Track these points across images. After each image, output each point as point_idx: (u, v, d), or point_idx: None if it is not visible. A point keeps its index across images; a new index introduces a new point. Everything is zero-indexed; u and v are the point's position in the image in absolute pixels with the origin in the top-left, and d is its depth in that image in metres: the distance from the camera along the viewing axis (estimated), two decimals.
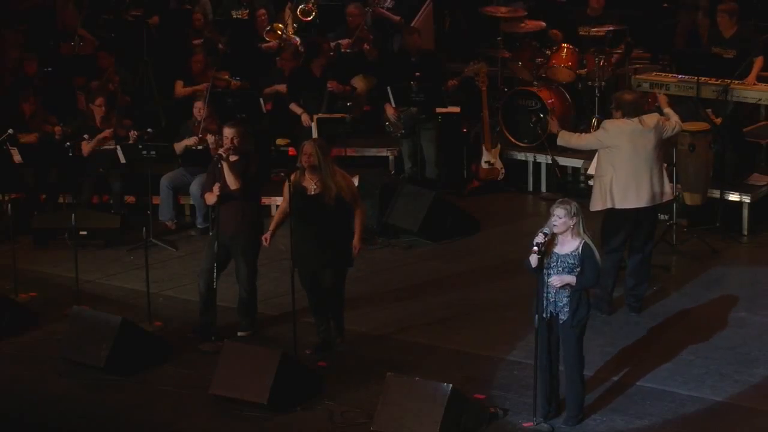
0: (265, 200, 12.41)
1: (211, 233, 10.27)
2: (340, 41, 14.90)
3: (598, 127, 14.05)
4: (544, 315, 8.58)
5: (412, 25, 15.37)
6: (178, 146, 12.65)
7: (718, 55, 13.28)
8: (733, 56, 13.13)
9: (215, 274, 10.09)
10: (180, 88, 14.27)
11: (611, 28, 14.37)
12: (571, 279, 8.46)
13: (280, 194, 10.12)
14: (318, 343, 9.96)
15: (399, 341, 10.27)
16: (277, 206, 12.77)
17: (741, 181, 12.75)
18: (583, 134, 10.89)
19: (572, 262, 8.48)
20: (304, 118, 13.68)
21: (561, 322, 8.56)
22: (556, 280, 8.47)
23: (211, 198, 10.11)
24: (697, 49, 14.42)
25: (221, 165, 10.03)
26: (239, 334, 10.32)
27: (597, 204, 10.46)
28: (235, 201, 10.06)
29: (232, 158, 10.10)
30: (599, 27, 14.40)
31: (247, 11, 15.68)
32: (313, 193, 9.65)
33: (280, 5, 15.96)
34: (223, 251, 10.15)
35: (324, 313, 10.01)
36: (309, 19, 15.37)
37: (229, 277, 10.41)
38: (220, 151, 10.08)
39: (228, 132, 10.16)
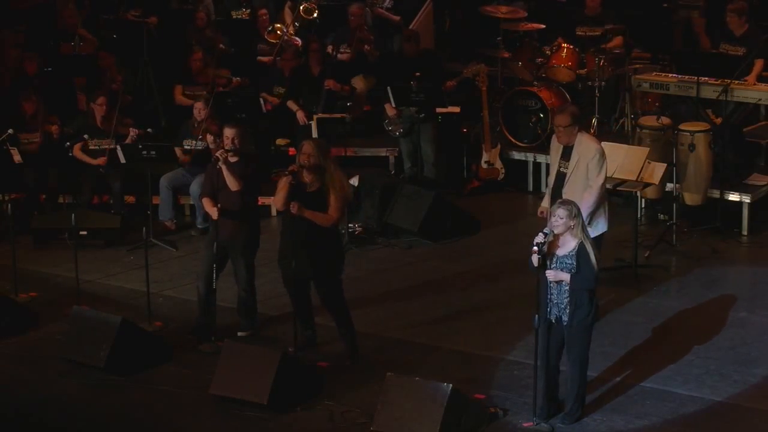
0: (266, 200, 12.41)
1: (208, 234, 10.25)
2: (339, 55, 14.89)
3: (598, 127, 14.17)
4: (549, 317, 8.59)
5: (411, 26, 15.39)
6: (177, 150, 12.69)
7: (723, 53, 13.26)
8: (741, 54, 13.12)
9: (215, 275, 10.10)
10: (179, 96, 14.27)
11: (609, 28, 14.38)
12: (565, 276, 8.47)
13: None
14: (300, 342, 9.94)
15: (399, 341, 10.27)
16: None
17: (741, 181, 12.75)
18: (594, 180, 9.98)
19: (570, 262, 8.49)
20: (299, 115, 13.72)
21: (564, 323, 8.58)
22: (551, 274, 8.50)
23: (213, 213, 10.09)
24: (698, 49, 14.42)
25: (219, 167, 10.03)
26: (239, 334, 10.32)
27: (600, 228, 10.18)
28: (234, 202, 10.07)
29: (232, 159, 10.10)
30: (597, 27, 14.41)
31: (248, 11, 15.69)
32: (311, 189, 9.64)
33: (279, 5, 15.96)
34: (221, 252, 10.15)
35: (307, 314, 10.01)
36: (312, 17, 15.37)
37: (229, 278, 10.41)
38: (217, 153, 10.06)
39: (228, 132, 10.16)
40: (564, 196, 9.76)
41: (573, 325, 8.55)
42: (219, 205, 10.05)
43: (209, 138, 12.58)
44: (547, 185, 10.47)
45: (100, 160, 12.96)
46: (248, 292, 10.33)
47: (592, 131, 14.13)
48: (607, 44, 14.31)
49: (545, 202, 10.36)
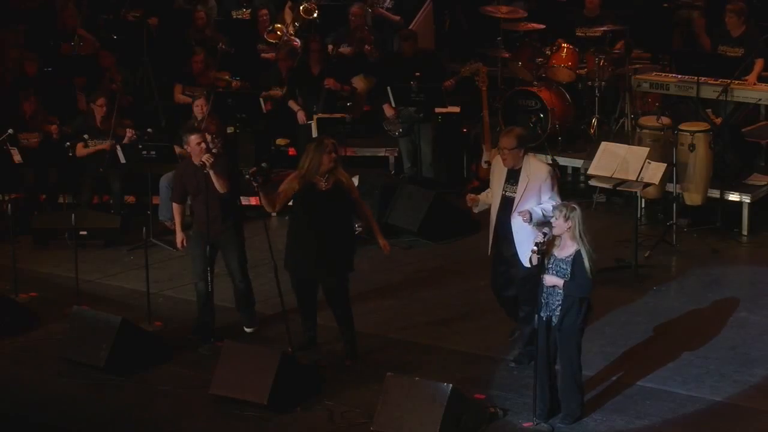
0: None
1: (195, 234, 10.25)
2: (341, 49, 14.88)
3: (598, 127, 14.17)
4: (542, 316, 8.61)
5: (411, 26, 15.38)
6: (177, 149, 12.69)
7: (722, 54, 13.26)
8: (741, 55, 13.12)
9: (210, 275, 10.12)
10: (179, 95, 14.27)
11: (608, 29, 14.39)
12: (558, 281, 8.48)
13: None
14: (302, 342, 9.96)
15: (399, 341, 10.27)
16: None
17: (741, 181, 12.75)
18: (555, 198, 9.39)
19: (565, 267, 8.51)
20: (300, 115, 13.73)
21: (553, 324, 8.59)
22: (547, 278, 8.51)
23: (179, 242, 10.31)
24: (698, 49, 14.43)
25: (206, 172, 9.94)
26: (246, 330, 10.39)
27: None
28: (219, 201, 10.07)
29: (209, 160, 10.09)
30: (597, 28, 14.42)
31: (249, 11, 15.69)
32: (326, 188, 9.64)
33: (280, 5, 15.96)
34: (212, 250, 10.16)
35: (312, 315, 10.03)
36: (312, 17, 15.37)
37: (227, 277, 10.41)
38: (203, 158, 9.96)
39: (194, 138, 10.12)
40: (513, 223, 9.36)
41: (562, 328, 8.58)
42: (183, 243, 10.27)
43: (207, 137, 12.55)
44: (490, 217, 9.64)
45: (106, 145, 12.91)
46: (245, 284, 10.35)
47: (591, 131, 14.16)
48: (611, 47, 14.32)
49: (491, 239, 9.61)
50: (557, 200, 9.27)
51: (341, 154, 13.31)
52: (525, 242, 9.26)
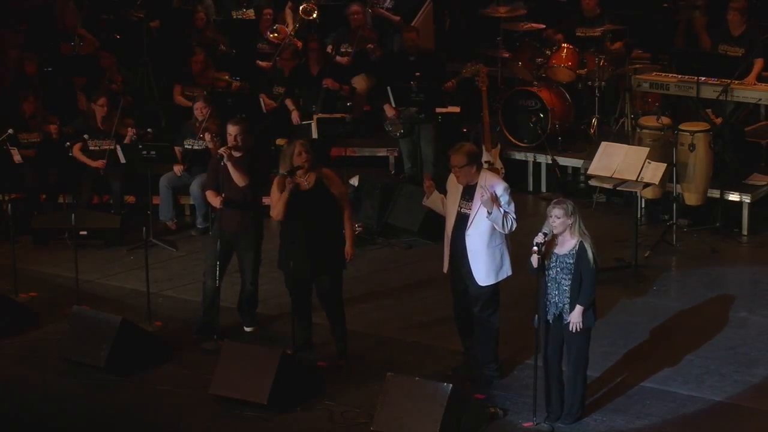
0: (266, 200, 12.38)
1: (211, 232, 10.24)
2: (340, 51, 14.87)
3: (598, 127, 14.17)
4: (548, 317, 8.60)
5: (411, 25, 15.38)
6: (177, 151, 12.72)
7: (723, 54, 13.26)
8: (741, 54, 13.12)
9: (219, 272, 10.12)
10: (177, 95, 14.27)
11: (608, 29, 14.39)
12: (578, 318, 8.49)
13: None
14: (300, 343, 9.96)
15: (399, 341, 10.27)
16: None
17: (741, 181, 12.75)
18: (510, 209, 9.24)
19: (570, 261, 8.51)
20: (294, 115, 13.74)
21: (565, 322, 8.58)
22: (574, 320, 8.51)
23: (216, 202, 10.10)
24: (698, 49, 14.42)
25: (224, 164, 10.01)
26: (246, 329, 10.40)
27: (492, 277, 9.30)
28: (240, 197, 10.09)
29: (236, 154, 10.12)
30: (596, 28, 14.42)
31: (251, 11, 15.68)
32: (308, 188, 9.64)
33: (280, 5, 15.96)
34: (227, 247, 10.17)
35: (307, 314, 10.02)
36: (311, 17, 15.37)
37: (229, 277, 10.41)
38: (221, 150, 10.07)
39: (232, 129, 10.18)
40: (467, 239, 9.25)
41: (577, 328, 8.57)
42: (223, 194, 10.05)
43: (207, 136, 12.59)
44: (445, 234, 9.50)
45: (99, 163, 12.97)
46: (255, 286, 10.37)
47: (591, 131, 14.16)
48: (610, 46, 14.33)
49: (446, 256, 9.52)
50: (512, 215, 9.19)
51: (342, 155, 13.44)
52: (480, 258, 9.25)
